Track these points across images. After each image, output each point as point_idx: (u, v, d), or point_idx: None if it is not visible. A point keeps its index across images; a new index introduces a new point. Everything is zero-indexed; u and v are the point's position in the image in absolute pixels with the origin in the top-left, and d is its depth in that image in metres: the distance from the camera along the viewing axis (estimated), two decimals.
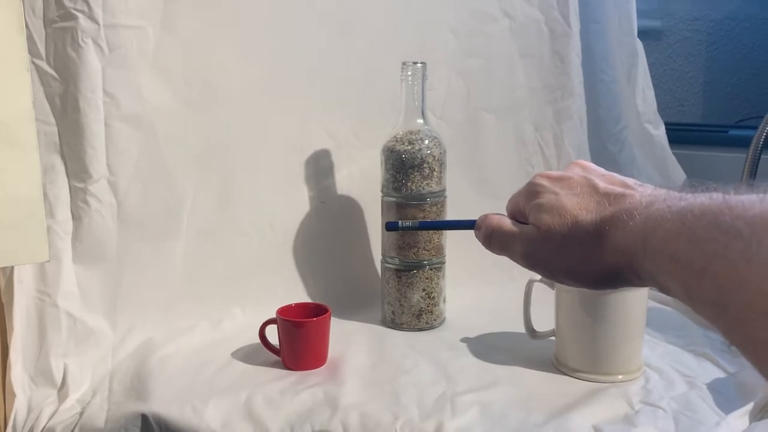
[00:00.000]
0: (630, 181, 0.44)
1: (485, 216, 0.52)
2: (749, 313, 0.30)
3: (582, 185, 0.45)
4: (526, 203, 0.48)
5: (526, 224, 0.48)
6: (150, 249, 0.93)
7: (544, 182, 0.47)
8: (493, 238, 0.50)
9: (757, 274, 0.30)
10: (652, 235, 0.37)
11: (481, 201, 1.09)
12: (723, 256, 0.32)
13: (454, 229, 0.59)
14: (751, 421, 0.71)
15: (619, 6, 1.19)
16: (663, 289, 0.37)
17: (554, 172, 0.48)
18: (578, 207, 0.44)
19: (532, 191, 0.48)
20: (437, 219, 0.95)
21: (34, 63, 0.85)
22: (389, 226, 0.67)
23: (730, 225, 0.32)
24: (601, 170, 0.47)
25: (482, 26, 1.11)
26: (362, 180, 1.06)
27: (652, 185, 0.43)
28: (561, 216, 0.44)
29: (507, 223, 0.50)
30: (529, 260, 0.48)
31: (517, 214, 0.50)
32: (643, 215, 0.39)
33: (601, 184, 0.44)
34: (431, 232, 0.95)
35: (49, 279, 0.85)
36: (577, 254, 0.44)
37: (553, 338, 0.86)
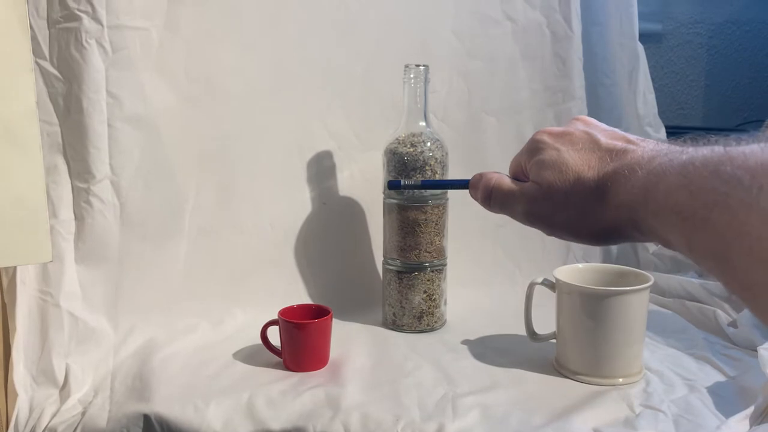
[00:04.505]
0: (632, 136, 0.44)
1: (481, 175, 0.51)
2: (749, 260, 0.30)
3: (584, 141, 0.45)
4: (528, 160, 0.48)
5: (527, 182, 0.47)
6: (152, 249, 0.93)
7: (546, 138, 0.47)
8: (493, 197, 0.50)
9: (757, 221, 0.30)
10: (654, 189, 0.37)
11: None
12: (724, 205, 0.31)
13: (457, 188, 0.58)
14: (751, 425, 0.71)
15: (621, 9, 1.19)
16: (664, 243, 0.37)
17: (556, 128, 0.48)
18: (580, 163, 0.44)
19: (533, 148, 0.47)
20: (439, 221, 0.95)
21: (37, 63, 0.85)
22: (391, 185, 0.66)
23: (731, 174, 0.32)
24: (603, 125, 0.47)
25: (484, 28, 1.11)
26: (363, 181, 1.06)
27: (654, 140, 0.43)
28: (563, 172, 0.44)
29: (506, 181, 0.49)
30: (530, 218, 0.47)
31: (519, 174, 0.50)
32: (645, 170, 0.39)
33: (603, 140, 0.44)
34: (433, 234, 0.95)
35: (51, 279, 0.85)
36: (579, 210, 0.43)
37: (554, 341, 0.86)
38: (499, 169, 1.17)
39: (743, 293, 0.32)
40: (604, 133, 0.45)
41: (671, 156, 0.37)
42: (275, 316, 0.85)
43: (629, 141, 0.43)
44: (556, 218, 0.46)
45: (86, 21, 0.86)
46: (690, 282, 1.04)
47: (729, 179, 0.32)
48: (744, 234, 0.30)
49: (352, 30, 1.04)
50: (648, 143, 0.42)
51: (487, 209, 0.51)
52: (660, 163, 0.38)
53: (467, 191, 0.54)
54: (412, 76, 0.94)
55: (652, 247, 1.18)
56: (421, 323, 0.97)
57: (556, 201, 0.45)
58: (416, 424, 0.71)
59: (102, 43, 0.87)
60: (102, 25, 0.87)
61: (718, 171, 0.32)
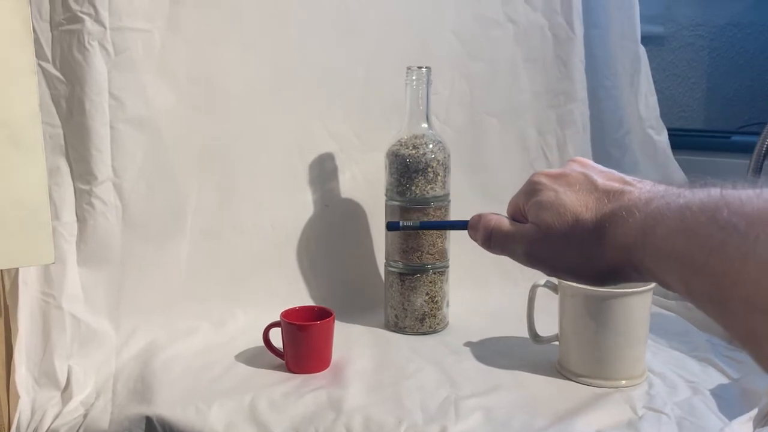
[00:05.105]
0: (628, 177, 0.44)
1: (480, 216, 0.51)
2: (747, 308, 0.30)
3: (581, 182, 0.45)
4: (526, 201, 0.48)
5: (526, 223, 0.48)
6: (154, 251, 0.93)
7: (543, 180, 0.47)
8: (493, 239, 0.50)
9: (754, 269, 0.30)
10: (652, 232, 0.37)
11: (484, 205, 1.09)
12: (720, 252, 0.32)
13: (456, 229, 0.59)
14: (755, 428, 0.71)
15: (623, 11, 1.19)
16: (663, 285, 0.38)
17: (553, 170, 0.48)
18: (578, 204, 0.44)
19: (531, 189, 0.48)
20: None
21: (40, 65, 0.85)
22: (390, 226, 0.67)
23: (727, 221, 0.32)
24: (600, 167, 0.47)
25: (486, 31, 1.11)
26: (365, 183, 1.06)
27: (651, 181, 0.43)
28: (561, 214, 0.44)
29: (506, 222, 0.50)
30: (530, 259, 0.48)
31: (517, 215, 0.50)
32: (643, 212, 0.39)
33: (600, 181, 0.44)
34: (435, 235, 0.95)
35: (53, 281, 0.85)
36: (578, 251, 0.44)
37: (557, 343, 0.86)
38: (501, 171, 1.17)
39: (742, 340, 0.32)
40: (601, 174, 0.46)
41: (668, 199, 0.38)
42: (277, 318, 0.85)
43: (626, 182, 0.43)
44: (555, 260, 0.46)
45: (89, 23, 0.86)
46: None
47: (725, 225, 0.32)
48: (741, 282, 0.31)
49: (352, 30, 1.04)
50: (645, 184, 0.42)
51: (488, 250, 0.51)
52: (657, 206, 0.38)
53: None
54: (414, 78, 0.94)
55: None
56: (423, 325, 0.96)
57: (555, 242, 0.45)
58: (418, 427, 0.71)
59: (104, 45, 0.87)
60: (104, 27, 0.87)
61: (715, 217, 0.33)
